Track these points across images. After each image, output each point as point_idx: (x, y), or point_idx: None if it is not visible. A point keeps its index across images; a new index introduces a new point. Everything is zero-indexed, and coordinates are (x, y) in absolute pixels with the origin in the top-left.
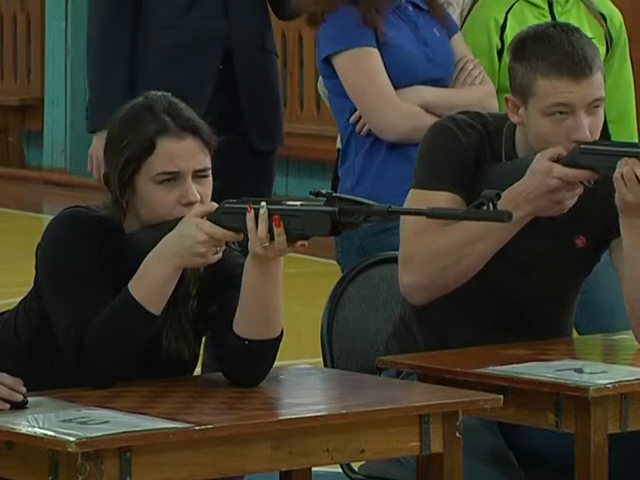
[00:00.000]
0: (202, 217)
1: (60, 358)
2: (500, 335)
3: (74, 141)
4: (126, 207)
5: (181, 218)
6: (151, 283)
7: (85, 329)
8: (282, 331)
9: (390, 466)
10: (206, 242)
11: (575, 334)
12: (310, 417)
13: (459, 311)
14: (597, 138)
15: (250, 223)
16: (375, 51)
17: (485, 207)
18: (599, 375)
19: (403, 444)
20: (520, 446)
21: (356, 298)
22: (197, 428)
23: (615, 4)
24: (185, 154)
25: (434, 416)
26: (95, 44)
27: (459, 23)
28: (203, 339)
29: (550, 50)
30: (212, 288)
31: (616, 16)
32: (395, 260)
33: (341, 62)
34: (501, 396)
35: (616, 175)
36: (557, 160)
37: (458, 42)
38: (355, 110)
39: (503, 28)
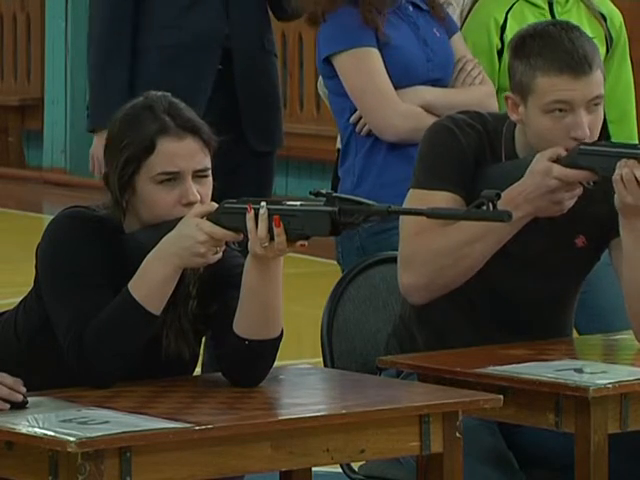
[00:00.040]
0: (202, 217)
1: (60, 358)
2: (500, 335)
3: (74, 141)
4: (126, 207)
5: (181, 218)
6: (151, 283)
7: (85, 329)
8: (282, 331)
9: (390, 466)
10: (206, 242)
11: (575, 334)
12: (310, 417)
13: (459, 311)
14: (597, 136)
15: (250, 223)
16: (376, 51)
17: (485, 207)
18: (599, 375)
19: (403, 444)
20: (520, 446)
21: (356, 298)
22: (197, 428)
23: (615, 4)
24: (185, 154)
25: (434, 416)
26: (95, 44)
27: (459, 23)
28: (203, 339)
29: (550, 48)
30: (212, 288)
31: (616, 16)
32: (395, 260)
33: (341, 62)
34: (501, 396)
35: (615, 177)
36: (557, 160)
37: (458, 42)
38: (355, 110)
39: (503, 28)
